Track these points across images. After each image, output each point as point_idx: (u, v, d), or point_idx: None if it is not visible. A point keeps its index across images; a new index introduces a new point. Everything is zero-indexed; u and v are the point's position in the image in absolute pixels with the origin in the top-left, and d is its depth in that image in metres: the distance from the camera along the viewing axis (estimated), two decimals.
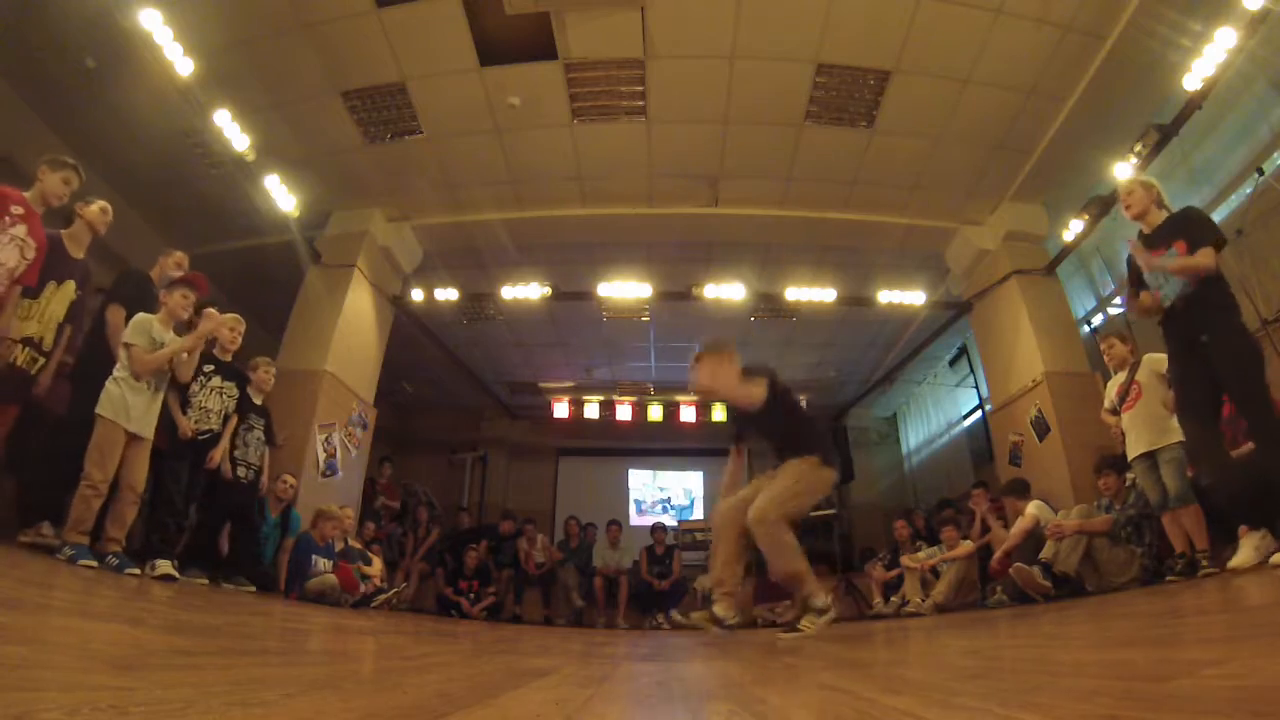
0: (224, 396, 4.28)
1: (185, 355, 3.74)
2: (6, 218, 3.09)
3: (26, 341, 3.35)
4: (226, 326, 4.35)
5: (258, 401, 4.68)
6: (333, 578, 4.75)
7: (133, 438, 3.41)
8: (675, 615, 3.57)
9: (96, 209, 3.67)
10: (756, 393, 3.02)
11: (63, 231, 3.56)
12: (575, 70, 5.16)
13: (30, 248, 3.19)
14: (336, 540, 5.23)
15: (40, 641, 1.07)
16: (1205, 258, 2.97)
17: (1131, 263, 3.39)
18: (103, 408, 3.33)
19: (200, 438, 4.10)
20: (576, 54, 5.01)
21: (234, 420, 4.37)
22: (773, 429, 3.21)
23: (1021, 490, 5.35)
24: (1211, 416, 3.05)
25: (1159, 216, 3.31)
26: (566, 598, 7.58)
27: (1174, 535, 3.69)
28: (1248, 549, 2.90)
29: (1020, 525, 4.90)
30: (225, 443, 4.32)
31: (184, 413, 4.04)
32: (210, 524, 4.36)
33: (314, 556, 4.83)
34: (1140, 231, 3.37)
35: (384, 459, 7.95)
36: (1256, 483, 2.87)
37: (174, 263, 4.26)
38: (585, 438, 11.25)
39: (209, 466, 4.18)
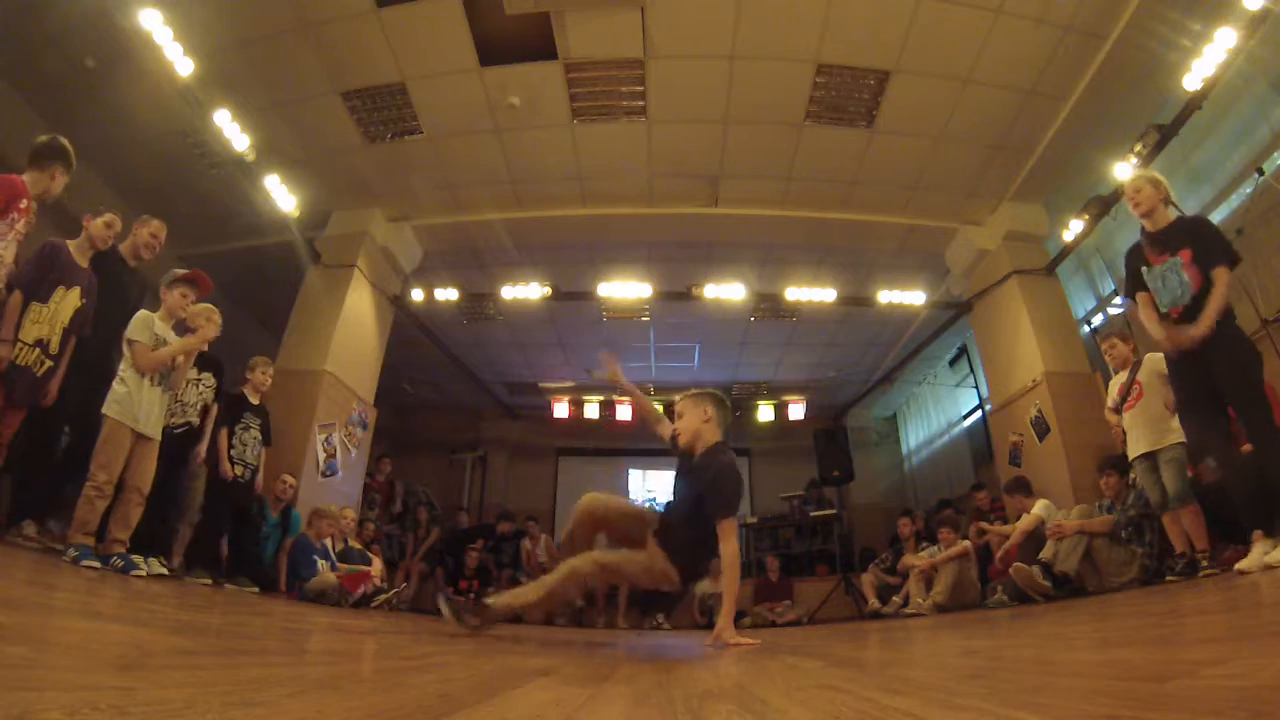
0: (200, 387, 4.13)
1: (182, 359, 3.63)
2: (14, 212, 3.00)
3: (37, 343, 3.29)
4: (204, 318, 4.25)
5: (254, 401, 4.67)
6: (332, 577, 4.75)
7: (140, 438, 3.36)
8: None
9: (101, 224, 3.61)
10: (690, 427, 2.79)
11: (69, 242, 3.53)
12: (575, 70, 5.16)
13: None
14: (336, 540, 5.22)
15: (41, 641, 1.07)
16: (1219, 297, 2.93)
17: (1130, 265, 3.37)
18: (109, 408, 3.27)
19: (175, 431, 3.94)
20: (576, 54, 5.01)
21: (215, 410, 4.22)
22: (682, 507, 2.84)
23: (1027, 489, 5.36)
24: (1215, 414, 3.04)
25: (1165, 216, 3.26)
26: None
27: (1174, 535, 3.70)
28: (1258, 553, 2.87)
29: (1023, 523, 4.90)
30: (223, 443, 4.28)
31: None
32: (212, 525, 4.35)
33: (314, 557, 4.83)
34: (1143, 229, 3.32)
35: (381, 455, 7.95)
36: (1257, 483, 2.89)
37: (103, 223, 3.67)
38: (585, 438, 11.24)
39: (223, 476, 4.16)
